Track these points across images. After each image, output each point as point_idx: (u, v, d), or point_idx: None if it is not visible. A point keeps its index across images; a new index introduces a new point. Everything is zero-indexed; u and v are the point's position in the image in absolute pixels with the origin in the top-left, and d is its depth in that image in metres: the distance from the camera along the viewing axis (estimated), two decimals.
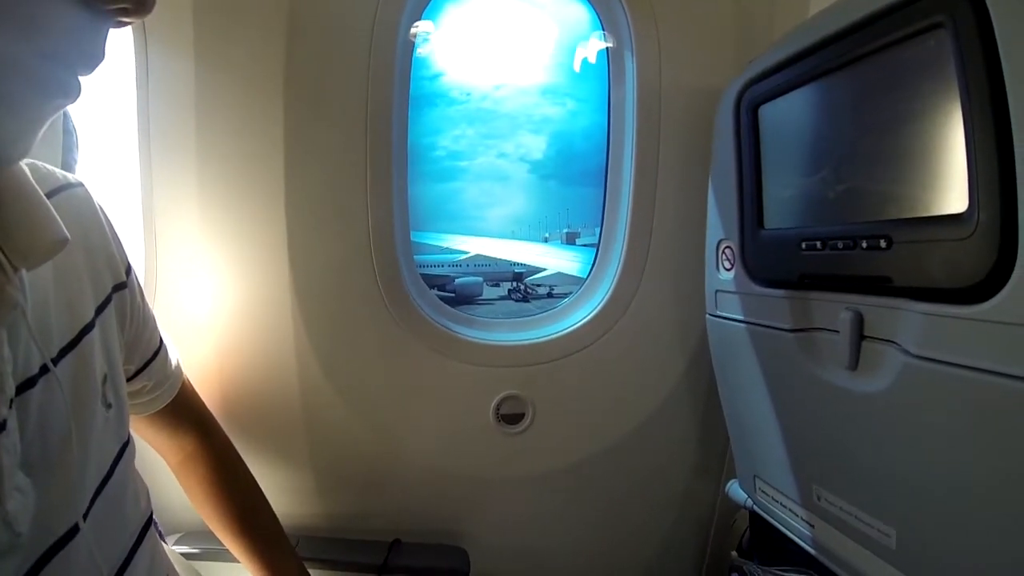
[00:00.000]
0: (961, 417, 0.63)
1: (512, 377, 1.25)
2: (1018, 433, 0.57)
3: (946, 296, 0.62)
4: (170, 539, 1.10)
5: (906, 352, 0.67)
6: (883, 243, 0.67)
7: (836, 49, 0.74)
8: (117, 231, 0.65)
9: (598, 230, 1.32)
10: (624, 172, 1.25)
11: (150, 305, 0.78)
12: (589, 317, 1.26)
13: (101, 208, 0.63)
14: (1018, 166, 0.54)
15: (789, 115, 0.86)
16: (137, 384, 0.72)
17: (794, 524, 0.96)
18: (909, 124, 0.65)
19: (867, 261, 0.70)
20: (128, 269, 0.66)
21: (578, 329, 1.26)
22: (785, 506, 0.99)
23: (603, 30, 1.26)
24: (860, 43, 0.70)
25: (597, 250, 1.33)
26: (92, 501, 0.53)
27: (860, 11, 0.70)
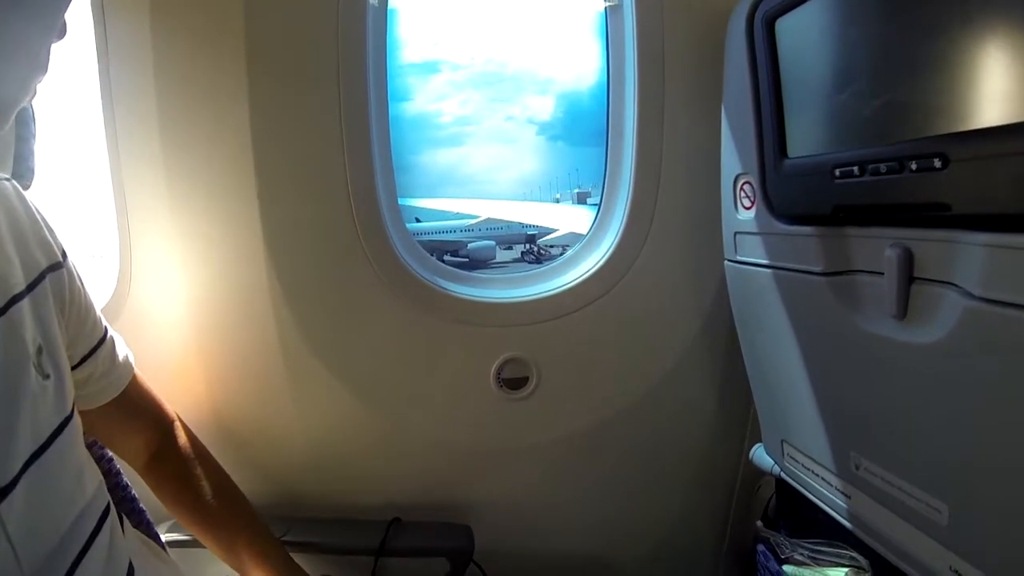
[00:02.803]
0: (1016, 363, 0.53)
1: (513, 338, 1.15)
2: None
3: (1018, 224, 0.51)
4: (161, 527, 1.05)
5: (968, 294, 0.57)
6: (937, 162, 0.56)
7: None
8: (51, 223, 0.66)
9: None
10: (626, 110, 1.12)
11: (126, 286, 0.80)
12: (595, 269, 1.15)
13: (31, 201, 0.64)
14: None
15: (811, 26, 0.73)
16: (84, 372, 0.70)
17: (827, 494, 0.87)
18: (965, 23, 0.54)
19: (918, 186, 0.59)
20: (64, 254, 0.66)
21: (583, 283, 1.15)
22: (817, 474, 0.89)
23: None
24: None
25: (601, 196, 1.21)
26: (23, 468, 0.51)
27: None
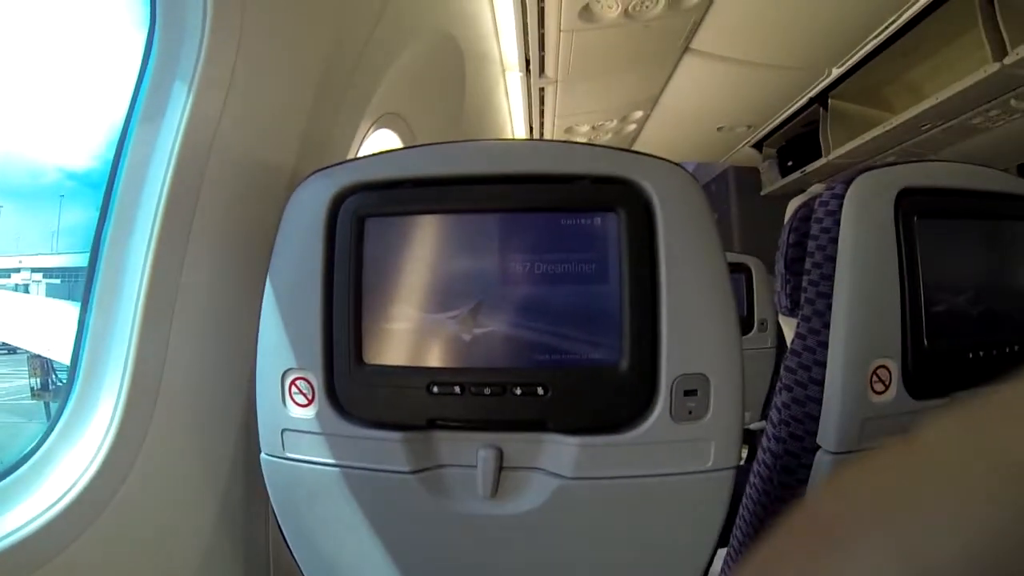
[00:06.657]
0: (608, 512, 0.76)
1: None
2: (657, 509, 0.75)
3: (597, 429, 0.73)
4: None
5: (559, 476, 0.74)
6: (540, 390, 0.71)
7: (489, 191, 0.74)
8: None
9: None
10: (132, 250, 0.84)
11: None
12: (79, 490, 0.78)
13: None
14: (662, 327, 0.70)
15: (415, 238, 0.77)
16: None
17: None
18: (570, 281, 0.72)
19: (517, 406, 0.72)
20: None
21: (62, 515, 0.76)
22: None
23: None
24: (524, 195, 0.73)
25: (76, 369, 0.84)
26: None
27: (528, 164, 0.74)
